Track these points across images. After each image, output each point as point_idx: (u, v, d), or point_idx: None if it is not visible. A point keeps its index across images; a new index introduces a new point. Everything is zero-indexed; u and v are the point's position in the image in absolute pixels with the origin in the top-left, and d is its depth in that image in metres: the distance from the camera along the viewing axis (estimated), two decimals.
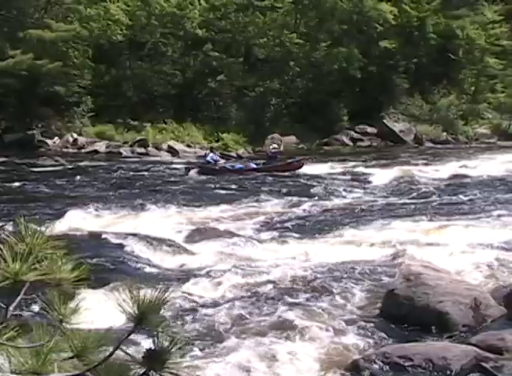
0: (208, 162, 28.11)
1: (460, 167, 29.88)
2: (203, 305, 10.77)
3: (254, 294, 11.25)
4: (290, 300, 10.94)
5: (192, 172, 27.11)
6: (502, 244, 14.81)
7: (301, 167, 28.31)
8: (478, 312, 10.03)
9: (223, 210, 19.75)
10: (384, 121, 45.10)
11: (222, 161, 28.84)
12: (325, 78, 44.11)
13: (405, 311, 10.18)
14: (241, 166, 28.50)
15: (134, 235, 15.41)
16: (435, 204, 21.05)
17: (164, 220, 17.91)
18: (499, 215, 18.58)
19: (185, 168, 28.24)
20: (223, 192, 23.24)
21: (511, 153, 35.61)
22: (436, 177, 27.16)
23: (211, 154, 28.70)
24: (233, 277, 12.22)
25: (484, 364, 8.23)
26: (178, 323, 9.79)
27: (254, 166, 28.33)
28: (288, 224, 17.88)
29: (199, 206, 20.22)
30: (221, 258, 13.80)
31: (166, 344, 2.18)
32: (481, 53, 51.87)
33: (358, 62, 44.36)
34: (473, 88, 52.60)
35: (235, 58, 43.06)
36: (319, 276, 12.30)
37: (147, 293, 2.22)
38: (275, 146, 29.81)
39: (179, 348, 2.19)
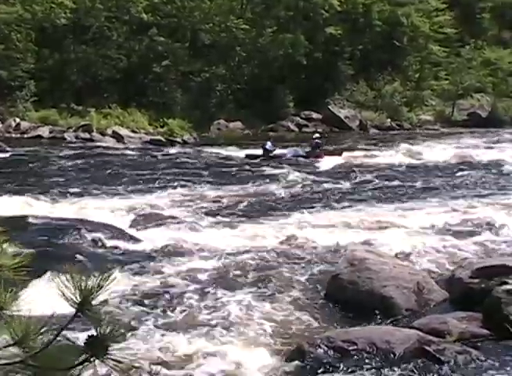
0: (267, 150, 29.08)
1: (405, 152, 30.21)
2: (146, 292, 10.69)
3: (199, 280, 11.23)
4: (236, 285, 10.95)
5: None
6: (445, 229, 15.04)
7: (340, 155, 29.48)
8: (421, 296, 10.17)
9: (168, 195, 19.65)
10: (330, 107, 45.29)
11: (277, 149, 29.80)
12: (271, 64, 44.08)
13: (349, 295, 10.27)
14: (292, 154, 29.50)
15: (77, 220, 15.27)
16: (380, 189, 21.25)
17: (109, 205, 17.76)
18: (443, 200, 18.88)
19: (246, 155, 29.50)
20: (168, 177, 23.09)
21: (454, 139, 36.26)
22: (382, 162, 27.42)
23: (269, 143, 29.83)
24: (177, 263, 12.18)
25: (426, 347, 8.33)
26: (121, 309, 9.73)
27: (303, 154, 29.42)
28: (234, 209, 17.89)
29: (144, 192, 20.11)
30: (165, 243, 13.72)
31: (108, 330, 2.15)
32: (426, 41, 52.43)
33: (304, 48, 44.41)
34: (417, 76, 53.10)
35: (180, 43, 42.69)
36: (264, 260, 12.34)
37: (89, 279, 2.19)
38: (317, 135, 30.53)
39: (121, 335, 2.17)
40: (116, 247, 13.65)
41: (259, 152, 29.24)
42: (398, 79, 50.27)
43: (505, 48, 55.19)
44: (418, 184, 22.14)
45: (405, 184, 22.18)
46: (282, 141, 35.35)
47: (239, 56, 44.13)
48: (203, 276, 11.41)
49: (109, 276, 2.21)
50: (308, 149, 29.71)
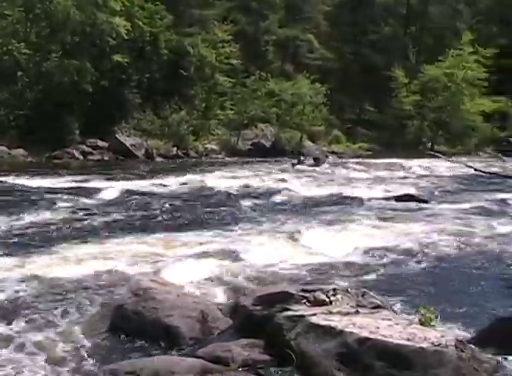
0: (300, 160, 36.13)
1: (191, 180, 30.61)
2: None
3: None
4: (13, 318, 10.49)
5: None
6: (229, 257, 15.21)
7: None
8: (206, 324, 10.19)
9: None
10: (116, 135, 45.13)
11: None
12: (55, 90, 43.27)
13: (134, 326, 10.12)
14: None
15: None
16: (165, 217, 21.28)
17: None
18: (229, 228, 19.16)
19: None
20: None
21: (237, 168, 37.30)
22: (167, 190, 27.56)
23: (302, 157, 36.15)
24: None
25: None
26: None
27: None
28: (22, 239, 17.14)
29: None
30: None
31: None
32: (212, 71, 53.65)
33: (90, 75, 44.02)
34: (204, 105, 54.10)
35: None
36: (48, 292, 11.92)
37: None
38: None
39: None
40: None
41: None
42: (185, 108, 50.99)
43: (288, 81, 57.44)
44: (198, 212, 22.35)
45: (191, 211, 22.36)
46: (66, 168, 34.84)
47: (21, 81, 42.99)
48: None
49: None
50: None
